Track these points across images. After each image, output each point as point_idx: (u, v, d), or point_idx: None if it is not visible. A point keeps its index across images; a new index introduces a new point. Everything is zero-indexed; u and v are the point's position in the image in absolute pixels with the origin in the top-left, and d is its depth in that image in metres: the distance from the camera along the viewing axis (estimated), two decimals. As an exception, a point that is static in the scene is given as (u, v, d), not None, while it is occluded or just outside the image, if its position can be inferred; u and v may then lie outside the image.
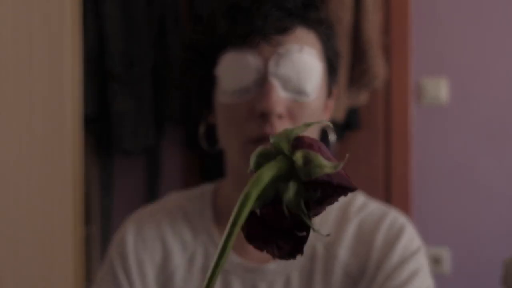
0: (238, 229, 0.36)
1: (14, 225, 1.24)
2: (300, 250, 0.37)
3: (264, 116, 0.84)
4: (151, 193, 2.46)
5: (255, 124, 0.85)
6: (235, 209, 0.37)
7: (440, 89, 2.39)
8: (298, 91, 0.86)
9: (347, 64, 2.13)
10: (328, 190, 0.37)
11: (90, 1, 2.25)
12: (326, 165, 0.37)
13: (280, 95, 0.84)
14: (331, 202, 0.38)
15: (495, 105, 2.37)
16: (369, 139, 2.35)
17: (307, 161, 0.37)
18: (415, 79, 2.41)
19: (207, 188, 1.02)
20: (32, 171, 1.29)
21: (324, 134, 0.95)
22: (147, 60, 2.31)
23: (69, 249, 1.39)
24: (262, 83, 0.85)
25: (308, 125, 0.38)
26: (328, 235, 0.40)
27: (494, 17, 2.38)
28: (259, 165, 0.38)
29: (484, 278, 2.34)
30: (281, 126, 0.85)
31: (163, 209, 1.01)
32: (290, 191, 0.37)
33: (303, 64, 0.85)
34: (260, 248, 0.38)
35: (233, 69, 0.86)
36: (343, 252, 0.92)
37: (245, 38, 0.85)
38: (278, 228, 0.36)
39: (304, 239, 0.38)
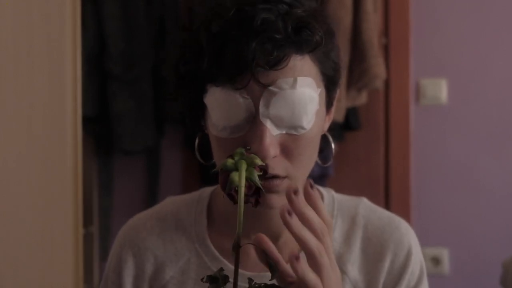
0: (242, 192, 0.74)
1: (14, 225, 1.24)
2: (259, 201, 0.77)
3: None
4: (151, 193, 2.46)
5: None
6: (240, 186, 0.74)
7: (439, 90, 2.40)
8: (293, 127, 0.81)
9: (347, 64, 2.14)
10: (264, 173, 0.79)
11: (90, 1, 2.25)
12: (259, 160, 0.77)
13: (273, 135, 0.79)
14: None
15: (494, 106, 2.37)
16: (369, 139, 2.35)
17: (251, 159, 0.77)
18: (414, 79, 2.41)
19: (205, 192, 1.00)
20: (32, 171, 1.29)
21: (324, 139, 0.92)
22: (147, 60, 2.31)
23: (69, 249, 1.39)
24: (253, 121, 0.80)
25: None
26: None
27: (493, 19, 2.38)
28: (227, 167, 0.77)
29: (483, 279, 2.34)
30: (275, 164, 0.80)
31: (157, 217, 0.99)
32: (252, 173, 0.76)
33: (297, 100, 0.79)
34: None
35: (221, 106, 0.80)
36: (352, 267, 0.92)
37: (233, 79, 0.78)
38: (248, 194, 0.76)
39: (259, 195, 0.76)
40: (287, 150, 0.82)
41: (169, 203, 1.01)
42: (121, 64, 2.27)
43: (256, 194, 0.77)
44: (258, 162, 0.77)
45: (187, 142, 2.39)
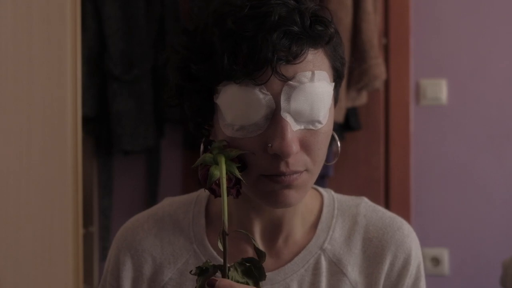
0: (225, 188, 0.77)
1: (14, 225, 1.24)
2: (238, 192, 0.80)
3: (279, 156, 0.79)
4: (151, 193, 2.46)
5: (268, 162, 0.80)
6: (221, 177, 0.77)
7: (439, 90, 2.40)
8: (312, 121, 0.81)
9: (347, 65, 2.13)
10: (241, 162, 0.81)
11: (90, 1, 2.25)
12: (236, 152, 0.79)
13: (293, 130, 0.79)
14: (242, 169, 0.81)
15: (494, 106, 2.37)
16: (369, 140, 2.35)
17: (228, 152, 0.79)
18: (414, 80, 2.41)
19: (203, 193, 0.99)
20: (32, 171, 1.29)
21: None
22: (147, 60, 2.31)
23: (69, 249, 1.39)
24: (273, 118, 0.79)
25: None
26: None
27: (493, 19, 2.38)
28: (206, 162, 0.79)
29: (483, 279, 2.34)
30: (295, 161, 0.80)
31: (154, 218, 0.98)
32: (231, 166, 0.78)
33: (315, 93, 0.79)
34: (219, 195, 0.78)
35: (239, 104, 0.79)
36: (352, 269, 0.92)
37: (253, 74, 0.77)
38: (229, 186, 0.78)
39: (240, 186, 0.80)
40: (306, 146, 0.81)
41: (167, 204, 1.01)
42: (121, 64, 2.27)
43: (237, 185, 0.79)
44: (235, 154, 0.79)
45: (187, 142, 2.39)
